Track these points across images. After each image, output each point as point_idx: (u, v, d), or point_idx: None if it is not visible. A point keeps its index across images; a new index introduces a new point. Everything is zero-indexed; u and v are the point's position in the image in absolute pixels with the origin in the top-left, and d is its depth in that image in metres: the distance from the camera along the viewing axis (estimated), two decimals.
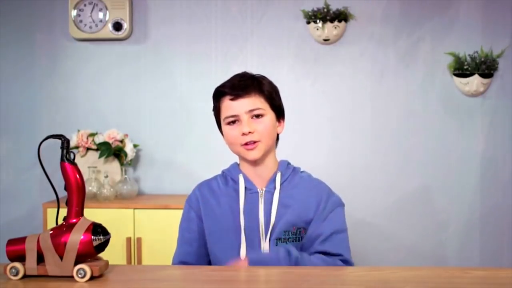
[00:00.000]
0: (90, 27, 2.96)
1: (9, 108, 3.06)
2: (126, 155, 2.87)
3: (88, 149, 2.89)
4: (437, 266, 2.92)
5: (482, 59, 2.83)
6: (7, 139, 3.08)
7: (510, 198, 2.93)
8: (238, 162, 1.63)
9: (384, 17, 2.93)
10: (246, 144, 1.52)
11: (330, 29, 2.86)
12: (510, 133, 2.92)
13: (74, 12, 2.95)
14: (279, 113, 1.60)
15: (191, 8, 2.99)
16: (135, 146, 2.93)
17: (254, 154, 1.53)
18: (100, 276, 1.23)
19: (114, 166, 2.89)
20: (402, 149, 2.96)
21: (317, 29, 2.87)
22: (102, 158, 2.84)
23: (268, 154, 1.57)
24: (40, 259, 1.22)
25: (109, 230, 1.28)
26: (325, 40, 2.90)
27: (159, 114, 3.02)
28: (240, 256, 1.51)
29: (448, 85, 2.92)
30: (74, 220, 1.24)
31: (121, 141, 2.89)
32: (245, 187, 1.56)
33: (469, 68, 2.83)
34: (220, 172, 1.65)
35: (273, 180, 1.57)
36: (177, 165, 3.00)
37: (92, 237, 1.22)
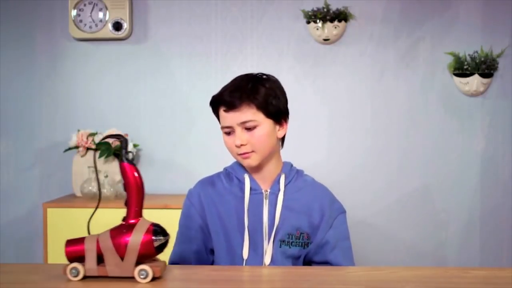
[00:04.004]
0: (90, 27, 2.96)
1: (9, 108, 3.06)
2: None
3: (88, 149, 2.89)
4: (437, 266, 2.92)
5: (482, 59, 2.83)
6: (7, 139, 3.07)
7: (510, 198, 2.93)
8: None
9: (384, 17, 2.93)
10: (240, 154, 1.51)
11: (330, 29, 2.86)
12: (510, 133, 2.92)
13: (74, 12, 2.95)
14: (279, 117, 1.54)
15: (191, 8, 2.99)
16: (135, 146, 2.93)
17: (249, 162, 1.51)
18: (160, 277, 1.22)
19: (114, 166, 2.89)
20: (402, 149, 2.96)
21: (317, 29, 2.87)
22: (102, 158, 2.84)
23: (269, 159, 1.55)
24: (99, 260, 1.21)
25: None
26: (325, 40, 2.90)
27: (159, 114, 3.02)
28: (242, 255, 1.50)
29: (448, 85, 2.92)
30: (133, 221, 1.24)
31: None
32: (250, 187, 1.54)
33: (469, 68, 2.83)
34: (221, 170, 1.63)
35: (277, 181, 1.56)
36: (177, 165, 3.00)
37: (153, 237, 1.21)
